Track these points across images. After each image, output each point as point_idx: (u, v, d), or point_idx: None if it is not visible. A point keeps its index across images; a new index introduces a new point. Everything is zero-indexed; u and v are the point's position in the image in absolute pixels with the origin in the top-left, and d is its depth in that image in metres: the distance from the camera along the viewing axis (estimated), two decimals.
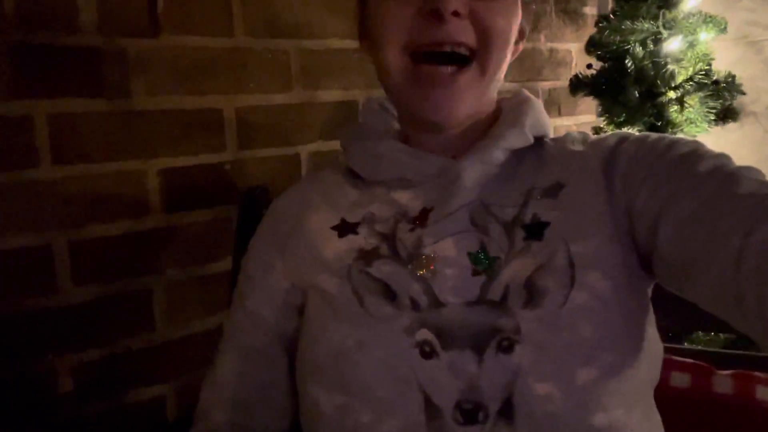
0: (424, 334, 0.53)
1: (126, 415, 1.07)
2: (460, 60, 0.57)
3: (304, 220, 0.65)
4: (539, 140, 0.62)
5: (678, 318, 0.85)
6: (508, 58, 0.61)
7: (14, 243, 0.95)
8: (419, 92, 0.58)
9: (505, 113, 0.63)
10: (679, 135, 1.47)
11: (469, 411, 0.51)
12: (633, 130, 1.53)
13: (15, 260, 0.95)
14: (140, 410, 1.09)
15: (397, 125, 0.68)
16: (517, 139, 0.61)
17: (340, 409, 0.55)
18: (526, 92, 0.66)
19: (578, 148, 0.61)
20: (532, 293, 0.53)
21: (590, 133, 1.68)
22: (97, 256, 1.02)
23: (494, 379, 0.51)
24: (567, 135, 0.64)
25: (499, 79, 0.61)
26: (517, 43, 0.62)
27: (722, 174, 0.50)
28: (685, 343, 1.25)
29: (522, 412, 0.51)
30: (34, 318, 0.97)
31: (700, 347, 0.88)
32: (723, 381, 0.75)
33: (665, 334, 1.01)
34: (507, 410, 0.51)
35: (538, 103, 0.64)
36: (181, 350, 1.12)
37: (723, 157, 0.53)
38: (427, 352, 0.53)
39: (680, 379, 0.76)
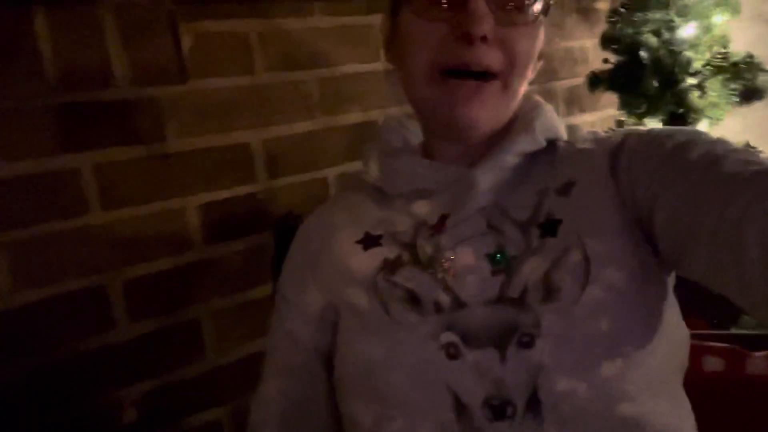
0: (449, 336, 0.55)
1: None
2: (485, 77, 0.60)
3: (331, 237, 0.67)
4: (552, 143, 0.65)
5: (722, 304, 0.86)
6: (530, 76, 0.64)
7: (72, 286, 1.02)
8: (446, 102, 0.60)
9: (517, 119, 0.65)
10: (703, 120, 1.47)
11: (497, 407, 0.53)
12: (655, 120, 1.53)
13: (74, 303, 1.02)
14: None
15: (414, 140, 0.71)
16: (528, 144, 0.63)
17: (376, 420, 0.58)
18: (537, 97, 0.68)
19: (587, 146, 0.63)
20: (549, 288, 0.55)
21: (614, 126, 1.69)
22: (149, 291, 1.09)
23: (518, 375, 0.53)
24: (578, 135, 0.66)
25: (520, 94, 0.64)
26: (537, 60, 0.65)
27: (710, 158, 0.52)
28: (733, 329, 1.24)
29: (548, 406, 0.52)
30: (96, 355, 1.04)
31: (735, 331, 0.88)
32: (757, 362, 0.75)
33: (711, 322, 1.01)
34: (534, 405, 0.53)
35: (548, 107, 0.67)
36: (231, 374, 1.18)
37: (716, 143, 0.55)
38: (452, 354, 0.55)
39: (713, 364, 0.77)
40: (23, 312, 0.97)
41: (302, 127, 1.27)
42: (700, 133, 0.57)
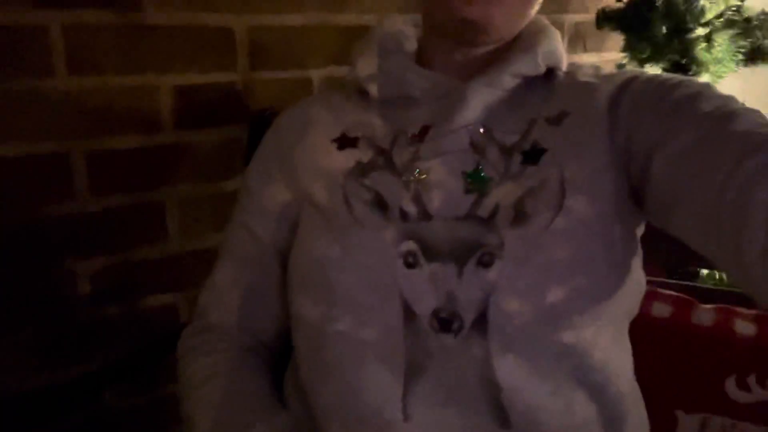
0: (409, 245, 0.55)
1: (141, 319, 1.14)
2: None
3: (306, 133, 0.66)
4: (551, 70, 0.62)
5: (683, 258, 0.86)
6: None
7: (32, 149, 0.99)
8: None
9: (520, 39, 0.62)
10: (705, 74, 1.43)
11: (445, 319, 0.53)
12: (657, 68, 1.48)
13: (33, 167, 1.00)
14: (154, 315, 1.16)
15: (409, 46, 0.67)
16: (528, 66, 0.60)
17: (322, 317, 0.58)
18: (545, 20, 0.65)
19: (589, 79, 0.61)
20: (519, 214, 0.55)
21: (614, 69, 1.64)
22: (112, 167, 1.07)
23: (471, 292, 0.53)
24: (579, 67, 0.64)
25: (537, 6, 0.60)
26: None
27: (721, 113, 0.50)
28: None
29: (494, 325, 0.53)
30: (53, 223, 1.03)
31: (689, 283, 0.89)
32: (703, 314, 0.77)
33: (671, 274, 1.03)
34: (481, 322, 0.53)
35: (555, 33, 0.63)
36: (192, 262, 1.18)
37: (728, 99, 0.53)
38: (410, 263, 0.55)
39: (661, 310, 0.78)
40: None
41: (292, 19, 1.20)
42: (710, 86, 0.55)
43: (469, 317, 0.53)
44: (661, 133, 0.53)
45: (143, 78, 1.07)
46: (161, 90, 1.09)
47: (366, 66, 0.65)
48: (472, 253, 0.54)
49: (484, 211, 0.55)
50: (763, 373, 0.72)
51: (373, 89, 0.64)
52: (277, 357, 0.70)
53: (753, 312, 0.76)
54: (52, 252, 1.04)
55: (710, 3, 1.38)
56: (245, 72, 1.17)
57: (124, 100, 1.06)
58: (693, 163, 0.49)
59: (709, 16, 1.36)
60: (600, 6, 1.60)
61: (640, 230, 0.60)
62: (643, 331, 0.62)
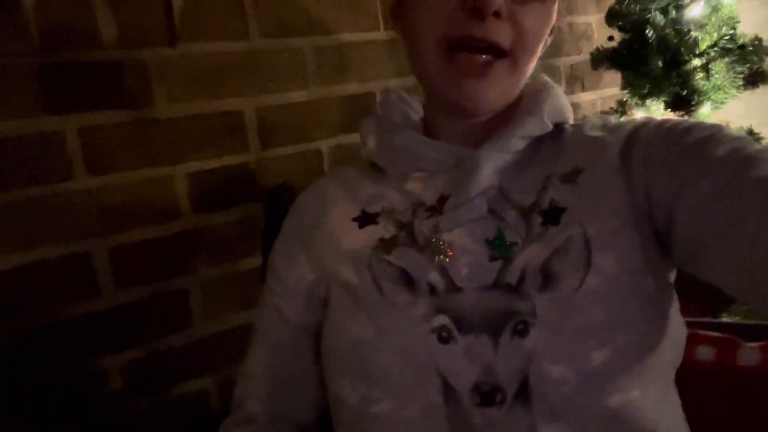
0: (442, 319, 0.54)
1: (173, 408, 1.13)
2: (495, 53, 0.58)
3: (327, 213, 0.66)
4: (558, 126, 0.63)
5: (712, 291, 0.85)
6: (539, 54, 0.62)
7: (56, 252, 1.00)
8: (453, 78, 0.58)
9: (525, 101, 0.63)
10: (707, 102, 1.44)
11: (487, 393, 0.52)
12: (658, 102, 1.50)
13: (58, 269, 1.01)
14: (185, 404, 1.14)
15: (415, 116, 0.69)
16: (535, 127, 0.61)
17: (362, 399, 0.57)
18: (546, 78, 0.66)
19: (597, 133, 0.61)
20: (548, 277, 0.54)
21: (615, 106, 1.66)
22: (135, 259, 1.08)
23: (510, 363, 0.52)
24: (586, 121, 0.64)
25: (529, 72, 0.62)
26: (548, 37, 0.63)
27: (739, 157, 0.50)
28: (724, 315, 1.23)
29: (538, 393, 0.52)
30: (80, 322, 1.03)
31: (729, 320, 0.87)
32: (749, 353, 0.75)
33: (701, 310, 1.01)
34: (523, 392, 0.52)
35: (558, 89, 0.64)
36: (219, 345, 1.17)
37: (742, 140, 0.52)
38: (444, 338, 0.54)
39: (705, 353, 0.76)
40: (7, 276, 0.96)
41: (297, 96, 1.24)
42: (721, 128, 0.55)
43: (511, 389, 0.52)
44: (680, 183, 0.52)
45: (158, 170, 1.09)
46: (176, 179, 1.11)
47: (375, 143, 0.65)
48: (506, 323, 0.53)
49: (512, 277, 0.55)
50: None
51: (385, 165, 0.64)
52: None
53: None
54: (81, 350, 1.04)
55: (703, 33, 1.41)
56: (257, 151, 1.20)
57: (142, 193, 1.08)
58: (717, 213, 0.49)
59: (703, 46, 1.38)
60: (593, 46, 1.64)
61: (672, 276, 0.59)
62: (690, 377, 0.61)
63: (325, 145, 1.28)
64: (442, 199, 0.59)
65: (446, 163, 0.61)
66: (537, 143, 0.61)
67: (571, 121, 0.64)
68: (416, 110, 0.69)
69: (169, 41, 1.07)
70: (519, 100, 0.64)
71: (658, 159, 0.55)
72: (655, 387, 0.55)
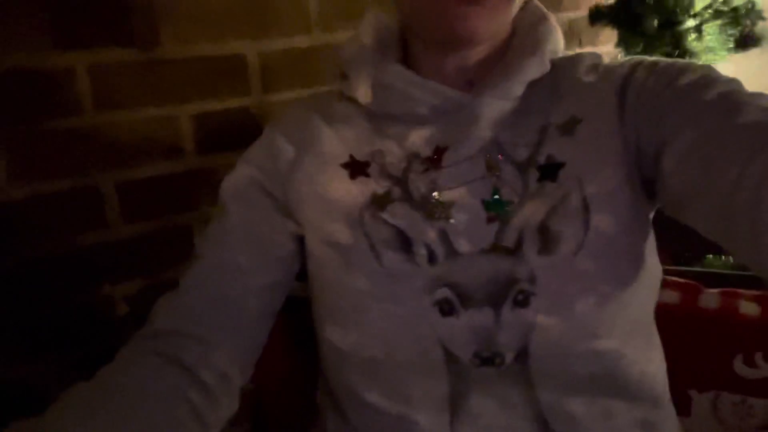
0: (444, 292, 0.53)
1: None
2: None
3: (308, 150, 0.61)
4: (552, 62, 0.59)
5: (689, 243, 0.91)
6: None
7: (65, 185, 1.04)
8: (445, 4, 0.52)
9: (522, 36, 0.59)
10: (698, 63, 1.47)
11: (487, 358, 0.53)
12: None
13: (67, 201, 1.05)
14: None
15: (397, 50, 0.62)
16: (536, 70, 0.57)
17: (357, 344, 0.56)
18: (540, 6, 0.61)
19: (592, 78, 0.58)
20: (546, 238, 0.53)
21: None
22: (141, 195, 1.12)
23: (511, 332, 0.52)
24: (580, 59, 0.60)
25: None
26: None
27: (727, 103, 0.48)
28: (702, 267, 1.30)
29: (535, 355, 0.52)
30: (89, 252, 1.08)
31: (695, 269, 0.94)
32: (709, 297, 0.82)
33: (678, 259, 1.07)
34: (522, 355, 0.53)
35: (553, 20, 0.61)
36: None
37: (732, 83, 0.51)
38: (446, 311, 0.53)
39: (670, 296, 0.83)
40: (20, 205, 1.00)
41: (299, 41, 1.26)
42: (710, 69, 0.53)
43: (510, 354, 0.53)
44: (667, 130, 0.51)
45: (164, 109, 1.12)
46: (181, 119, 1.15)
47: (362, 79, 0.59)
48: (507, 293, 0.52)
49: (509, 240, 0.53)
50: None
51: (374, 106, 0.59)
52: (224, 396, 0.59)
53: (756, 293, 0.81)
54: (89, 278, 1.10)
55: None
56: (259, 95, 1.23)
57: (148, 131, 1.11)
58: (702, 160, 0.48)
59: (697, 8, 1.41)
60: (593, 3, 1.65)
61: (652, 215, 0.59)
62: (656, 318, 0.65)
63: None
64: (439, 152, 0.56)
65: (443, 109, 0.57)
66: (531, 85, 0.57)
67: (561, 52, 0.61)
68: (396, 41, 0.63)
69: None
70: (514, 33, 0.60)
71: (648, 105, 0.53)
72: (639, 331, 0.57)
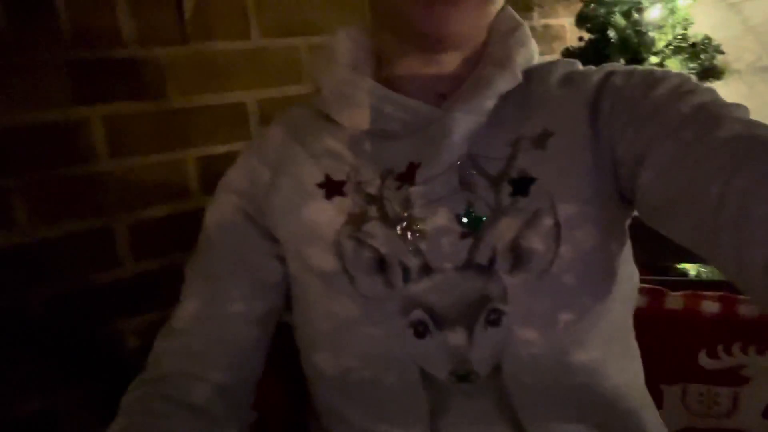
0: (418, 314, 0.53)
1: None
2: None
3: (283, 172, 0.60)
4: (524, 72, 0.58)
5: (661, 252, 0.98)
6: None
7: (81, 226, 1.13)
8: (421, 3, 0.51)
9: (494, 46, 0.58)
10: None
11: (461, 375, 0.53)
12: None
13: (83, 241, 1.13)
14: None
15: (370, 63, 0.60)
16: (508, 83, 0.56)
17: (342, 370, 0.56)
18: (514, 14, 0.60)
19: (565, 90, 0.57)
20: (518, 255, 0.53)
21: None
22: (151, 234, 1.20)
23: (483, 351, 0.52)
24: (552, 68, 0.59)
25: (500, 4, 0.57)
26: None
27: (705, 115, 0.47)
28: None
29: (510, 373, 0.52)
30: (102, 289, 1.16)
31: (660, 278, 1.02)
32: (674, 299, 0.89)
33: (652, 268, 1.14)
34: (497, 370, 0.53)
35: (527, 30, 0.59)
36: None
37: (709, 93, 0.50)
38: (420, 332, 0.53)
39: (638, 300, 0.89)
40: (40, 246, 1.08)
41: (293, 90, 1.38)
42: (689, 80, 0.52)
43: (485, 370, 0.53)
44: (645, 143, 0.50)
45: (172, 154, 1.22)
46: (187, 162, 1.25)
47: (333, 94, 0.58)
48: (479, 312, 0.52)
49: (483, 257, 0.53)
50: (728, 343, 0.83)
51: (347, 122, 0.58)
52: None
53: (717, 293, 0.88)
54: (101, 314, 1.17)
55: (660, 33, 1.56)
56: None
57: (157, 175, 1.21)
58: (683, 173, 0.46)
59: (659, 45, 1.53)
60: (563, 46, 1.79)
61: (628, 222, 0.58)
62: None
63: None
64: (412, 168, 0.55)
65: (414, 124, 0.56)
66: (504, 97, 0.56)
67: (536, 61, 0.59)
68: (369, 53, 0.61)
69: (181, 40, 1.21)
70: (487, 42, 0.59)
71: (625, 115, 0.52)
72: (617, 340, 0.56)
